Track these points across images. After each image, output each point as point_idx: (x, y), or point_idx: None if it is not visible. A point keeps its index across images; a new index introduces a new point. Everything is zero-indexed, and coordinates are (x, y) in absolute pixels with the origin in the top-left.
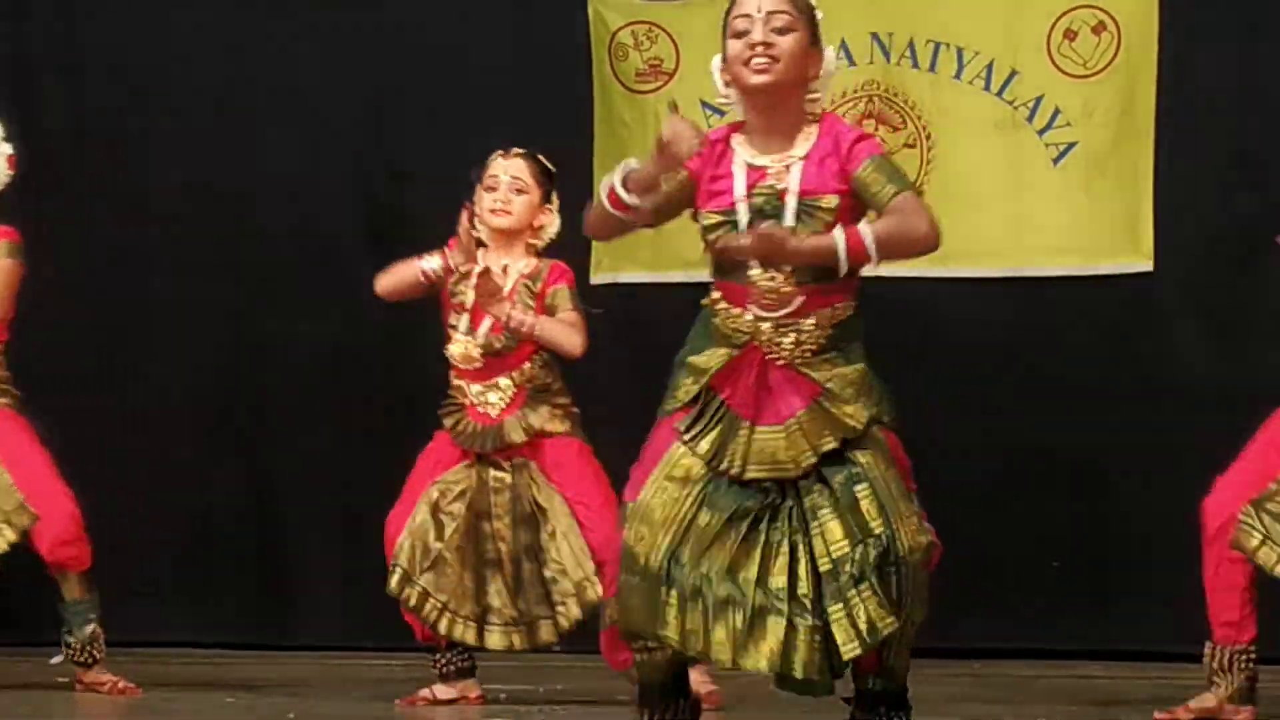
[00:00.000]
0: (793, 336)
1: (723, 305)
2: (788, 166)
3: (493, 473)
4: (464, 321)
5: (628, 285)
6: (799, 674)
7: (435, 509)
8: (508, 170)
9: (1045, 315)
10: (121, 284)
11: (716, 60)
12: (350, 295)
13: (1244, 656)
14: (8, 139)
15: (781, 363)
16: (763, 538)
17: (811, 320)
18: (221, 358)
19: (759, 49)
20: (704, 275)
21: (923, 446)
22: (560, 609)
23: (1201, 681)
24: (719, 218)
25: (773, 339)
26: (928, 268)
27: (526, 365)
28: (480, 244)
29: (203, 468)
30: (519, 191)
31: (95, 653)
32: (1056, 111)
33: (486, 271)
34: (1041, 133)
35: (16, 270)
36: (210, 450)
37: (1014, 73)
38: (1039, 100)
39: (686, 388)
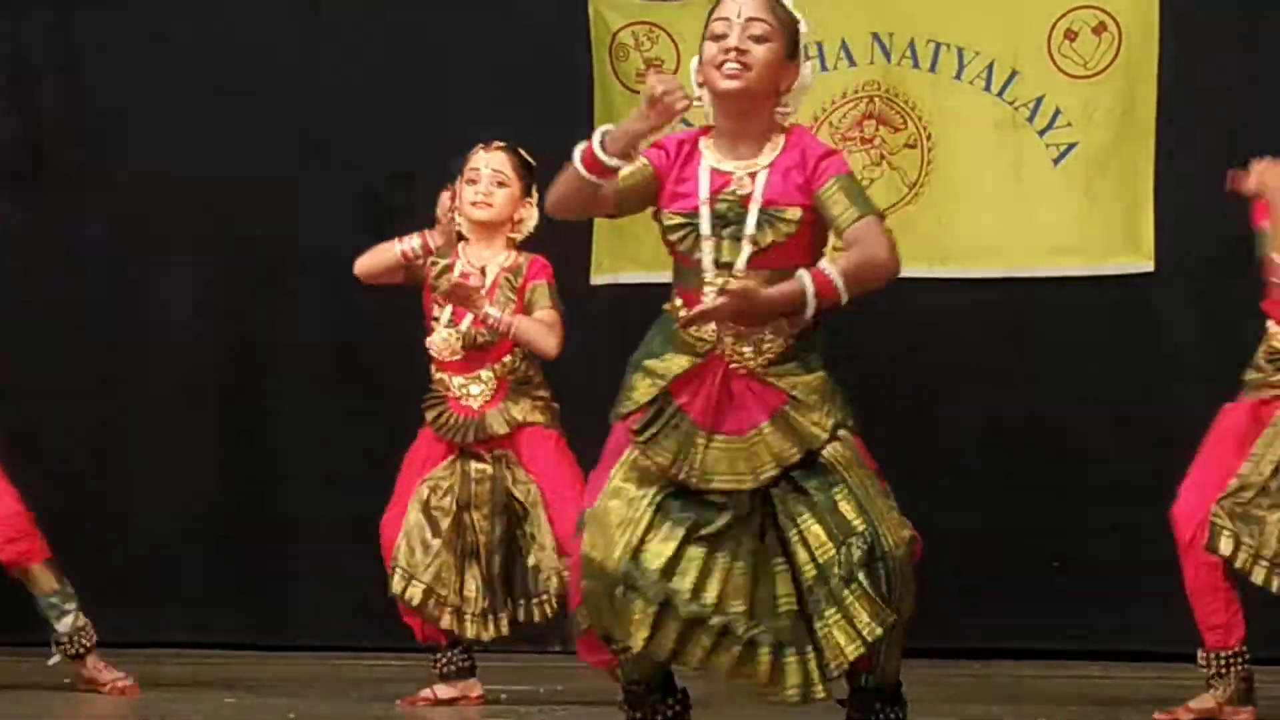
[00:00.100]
0: (754, 346)
1: (684, 311)
2: (752, 174)
3: (474, 464)
4: (445, 314)
5: (628, 285)
6: (793, 698)
7: (426, 506)
8: (489, 163)
9: (1045, 315)
10: (121, 283)
11: (694, 61)
12: (350, 295)
13: (1237, 659)
14: None
15: (743, 372)
16: (726, 559)
17: (770, 331)
18: (221, 357)
19: (732, 55)
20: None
21: (922, 446)
22: (544, 596)
23: (1201, 681)
24: (681, 219)
25: (734, 348)
26: (928, 268)
27: (508, 358)
28: (460, 237)
29: (202, 468)
30: (500, 184)
31: (85, 642)
32: (1057, 112)
33: (463, 283)
34: (1042, 133)
35: None
36: (209, 450)
37: (1014, 73)
38: (1039, 100)
39: (643, 390)
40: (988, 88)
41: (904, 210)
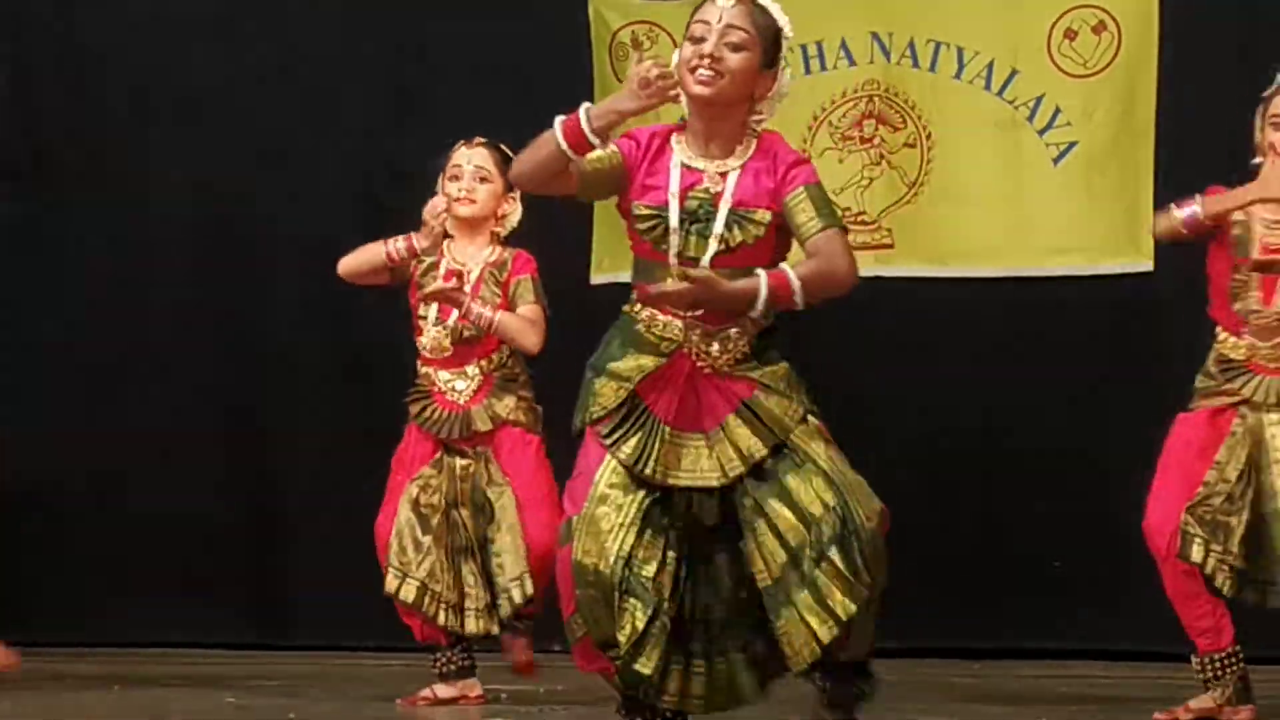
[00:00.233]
0: (719, 344)
1: (648, 313)
2: (724, 174)
3: (459, 461)
4: (432, 311)
5: (628, 285)
6: (750, 700)
7: (416, 504)
8: (471, 159)
9: (1045, 315)
10: (120, 281)
11: (675, 55)
12: (350, 296)
13: (1231, 659)
14: None
15: (709, 371)
16: (703, 567)
17: (735, 330)
18: (220, 357)
19: (706, 61)
20: None
21: (922, 446)
22: (500, 600)
23: (1199, 681)
24: (651, 211)
25: (700, 346)
26: (928, 267)
27: (495, 354)
28: (445, 234)
29: (202, 468)
30: (483, 180)
31: None
32: (1057, 111)
33: (444, 289)
34: (1042, 132)
35: None
36: (209, 450)
37: (1014, 72)
38: (1039, 100)
39: (609, 393)
40: (987, 87)
41: (904, 210)
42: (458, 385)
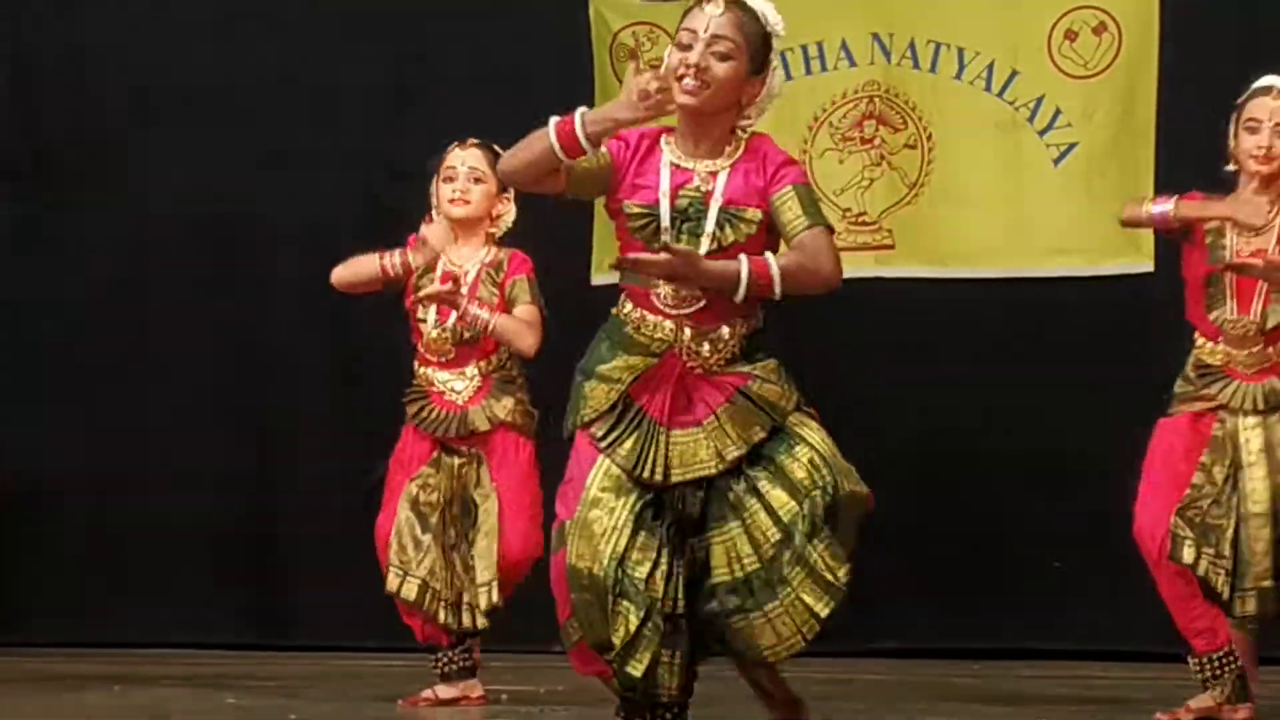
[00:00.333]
0: (709, 344)
1: (638, 314)
2: (713, 174)
3: (455, 460)
4: (432, 314)
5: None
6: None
7: (415, 503)
8: (465, 160)
9: (1045, 316)
10: (120, 282)
11: (666, 55)
12: (350, 297)
13: (1229, 658)
14: None
15: (699, 371)
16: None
17: (725, 330)
18: (220, 357)
19: (692, 71)
20: None
21: (922, 445)
22: (471, 604)
23: (1199, 681)
24: (643, 210)
25: (691, 346)
26: (928, 268)
27: (494, 355)
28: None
29: (202, 468)
30: (477, 181)
31: None
32: (1057, 112)
33: (440, 292)
34: (1042, 133)
35: None
36: (210, 451)
37: (1014, 73)
38: (1039, 101)
39: (601, 396)
40: (988, 88)
41: (904, 211)
42: (456, 386)
